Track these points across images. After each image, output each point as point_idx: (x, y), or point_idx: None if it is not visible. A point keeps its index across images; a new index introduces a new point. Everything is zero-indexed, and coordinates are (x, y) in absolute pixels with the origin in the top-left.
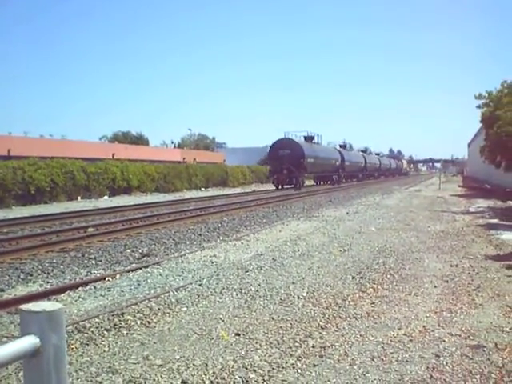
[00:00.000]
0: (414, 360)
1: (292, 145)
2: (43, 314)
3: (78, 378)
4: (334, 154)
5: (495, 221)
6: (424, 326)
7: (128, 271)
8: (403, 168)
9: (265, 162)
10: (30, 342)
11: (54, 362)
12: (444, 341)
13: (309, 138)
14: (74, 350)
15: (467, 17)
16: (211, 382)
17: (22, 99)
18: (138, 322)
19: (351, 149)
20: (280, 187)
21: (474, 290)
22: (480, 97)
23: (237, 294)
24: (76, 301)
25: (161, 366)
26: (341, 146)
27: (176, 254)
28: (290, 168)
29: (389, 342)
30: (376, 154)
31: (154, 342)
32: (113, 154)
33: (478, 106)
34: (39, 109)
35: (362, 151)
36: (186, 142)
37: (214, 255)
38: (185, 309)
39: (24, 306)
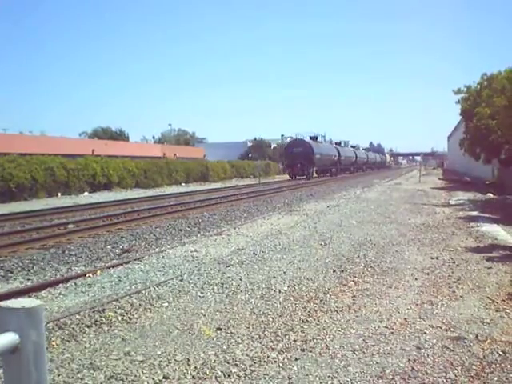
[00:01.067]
0: (395, 352)
1: (303, 144)
2: (22, 310)
3: (59, 375)
4: (333, 151)
5: (475, 213)
6: (405, 319)
7: (109, 267)
8: (387, 161)
9: (245, 157)
10: (9, 338)
11: (34, 359)
12: (425, 333)
13: (314, 138)
14: (55, 346)
15: (451, 8)
16: (193, 377)
17: (1, 96)
18: (119, 318)
19: (345, 145)
20: (294, 178)
21: (455, 282)
22: (459, 91)
23: (218, 289)
24: (57, 297)
25: (142, 361)
26: (336, 143)
27: (157, 250)
28: (302, 162)
29: (370, 334)
30: (363, 149)
31: (136, 338)
32: (93, 150)
33: (457, 102)
34: (18, 105)
35: (352, 147)
36: (166, 137)
37: (195, 250)
38: (166, 304)
39: (3, 303)
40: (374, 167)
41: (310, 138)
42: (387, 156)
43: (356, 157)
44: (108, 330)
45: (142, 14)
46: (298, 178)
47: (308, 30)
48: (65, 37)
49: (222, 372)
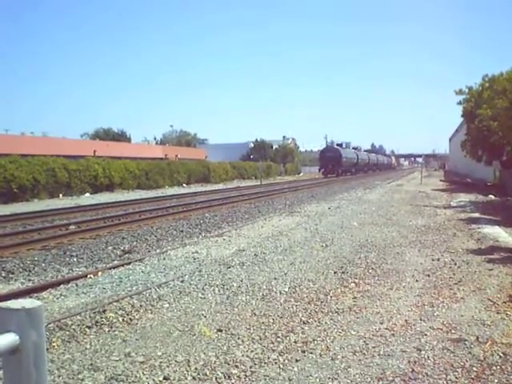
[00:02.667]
0: (395, 354)
1: (334, 150)
2: (22, 311)
3: (59, 376)
4: (353, 155)
5: (476, 215)
6: (406, 320)
7: (110, 268)
8: (392, 163)
9: (246, 158)
10: (9, 339)
11: (34, 360)
12: (426, 335)
13: (340, 145)
14: (56, 347)
15: (453, 10)
16: (193, 378)
17: (3, 97)
18: (120, 319)
19: (360, 150)
20: (326, 176)
21: (456, 283)
22: (460, 92)
23: (219, 290)
24: (58, 298)
25: (143, 362)
26: (354, 148)
27: (158, 251)
28: (333, 164)
29: (371, 336)
30: (373, 153)
31: (136, 339)
32: (94, 151)
33: (459, 103)
34: (20, 106)
35: (365, 151)
36: (167, 138)
37: (196, 251)
38: (167, 305)
39: (2, 304)
40: (382, 168)
41: (337, 144)
42: (393, 158)
43: (369, 159)
44: (109, 330)
45: (143, 14)
46: (329, 176)
47: (310, 30)
48: (66, 37)
49: (222, 373)
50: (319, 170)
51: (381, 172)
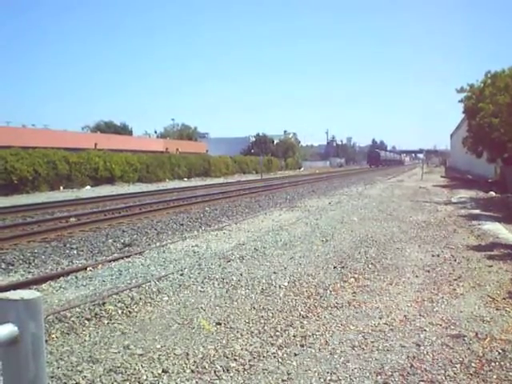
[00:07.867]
0: (394, 349)
1: (376, 151)
2: (21, 302)
3: (58, 368)
4: (385, 154)
5: (477, 211)
6: (405, 316)
7: (110, 261)
8: (402, 159)
9: (247, 152)
10: (7, 330)
11: (33, 351)
12: (425, 330)
13: (378, 148)
14: (55, 339)
15: (453, 5)
16: (192, 371)
17: (4, 89)
18: (119, 312)
19: (386, 149)
20: (371, 167)
21: (456, 279)
22: (462, 90)
23: (218, 284)
24: (57, 290)
25: (141, 355)
26: (382, 149)
27: (158, 244)
28: (375, 160)
29: (370, 331)
30: (391, 152)
31: (135, 332)
32: (95, 144)
33: (460, 100)
34: (21, 99)
35: (387, 151)
36: (168, 132)
37: (196, 245)
38: (166, 298)
39: (1, 295)
40: (397, 163)
41: (376, 147)
42: (402, 155)
43: (390, 157)
44: (108, 323)
45: (145, 8)
46: (372, 166)
47: (311, 26)
48: (69, 30)
49: (221, 366)
50: (367, 163)
51: (395, 166)
